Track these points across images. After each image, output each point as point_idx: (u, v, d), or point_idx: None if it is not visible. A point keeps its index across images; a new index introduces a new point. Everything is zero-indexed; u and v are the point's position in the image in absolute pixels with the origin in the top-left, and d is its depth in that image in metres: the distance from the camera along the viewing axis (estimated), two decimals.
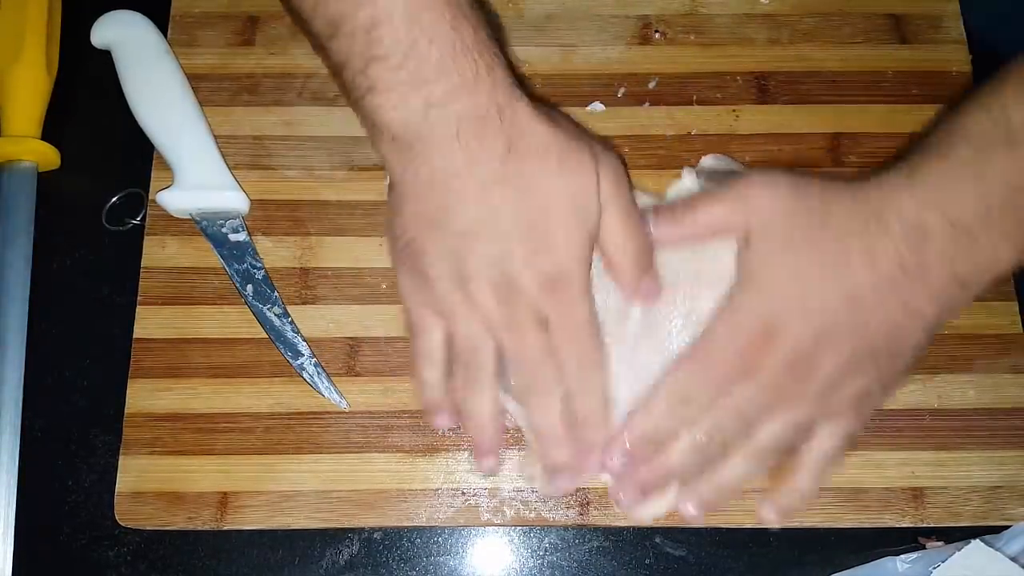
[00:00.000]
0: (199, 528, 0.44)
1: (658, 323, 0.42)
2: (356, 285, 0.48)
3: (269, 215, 0.49)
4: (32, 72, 0.50)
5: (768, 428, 0.39)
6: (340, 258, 0.49)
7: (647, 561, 0.45)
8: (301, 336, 0.47)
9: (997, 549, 0.42)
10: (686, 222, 0.41)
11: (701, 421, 0.39)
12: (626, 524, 0.45)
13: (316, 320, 0.47)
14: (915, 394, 0.46)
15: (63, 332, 0.48)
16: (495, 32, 0.39)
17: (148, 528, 0.45)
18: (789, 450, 0.41)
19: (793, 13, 0.53)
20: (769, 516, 0.42)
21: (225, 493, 0.45)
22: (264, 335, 0.47)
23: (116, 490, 0.45)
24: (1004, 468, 0.45)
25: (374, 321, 0.48)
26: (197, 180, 0.48)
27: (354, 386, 0.46)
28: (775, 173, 0.41)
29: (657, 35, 0.53)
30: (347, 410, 0.46)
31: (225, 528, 0.44)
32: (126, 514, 0.45)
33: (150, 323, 0.47)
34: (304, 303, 0.48)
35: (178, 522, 0.44)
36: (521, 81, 0.40)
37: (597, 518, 0.45)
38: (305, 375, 0.46)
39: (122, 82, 0.50)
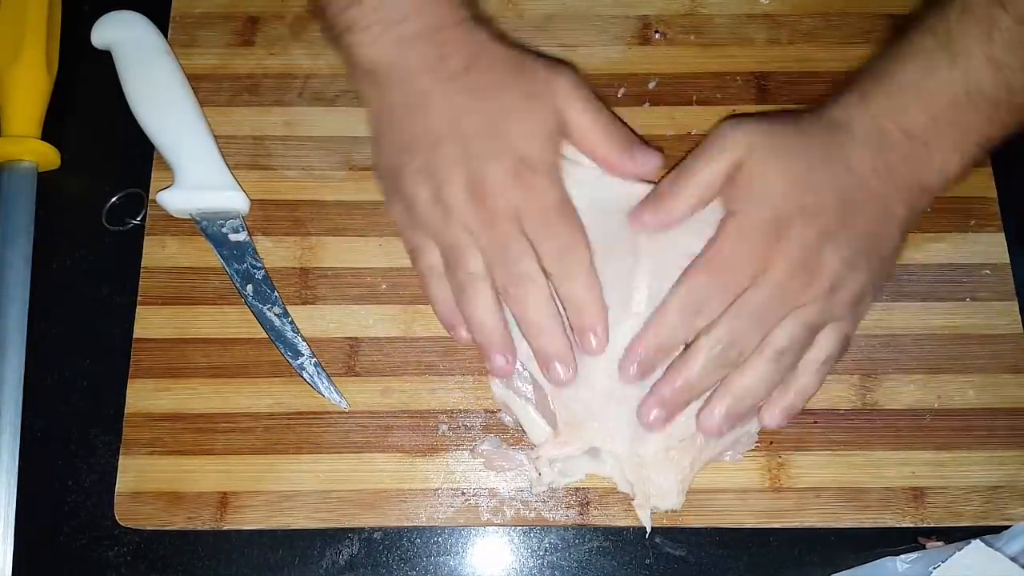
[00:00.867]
0: (199, 528, 0.44)
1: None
2: (356, 285, 0.48)
3: (269, 215, 0.49)
4: (32, 72, 0.50)
5: (782, 329, 0.41)
6: (340, 258, 0.49)
7: (647, 561, 0.45)
8: (301, 336, 0.47)
9: (997, 549, 0.42)
10: (680, 197, 0.42)
11: (716, 329, 0.40)
12: (626, 524, 0.45)
13: (316, 320, 0.47)
14: (915, 394, 0.47)
15: (63, 332, 0.48)
16: None
17: (148, 528, 0.45)
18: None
19: (793, 13, 0.53)
20: (772, 418, 0.42)
21: (225, 493, 0.45)
22: (264, 335, 0.47)
23: (116, 490, 0.45)
24: (1004, 468, 0.45)
25: (374, 321, 0.48)
26: (197, 180, 0.48)
27: (354, 386, 0.46)
28: (741, 119, 0.43)
29: (657, 35, 0.53)
30: (347, 410, 0.46)
31: (225, 528, 0.44)
32: (126, 514, 0.45)
33: (150, 323, 0.47)
34: (304, 303, 0.48)
35: (178, 522, 0.44)
36: (489, 20, 0.44)
37: (597, 518, 0.45)
38: (305, 375, 0.46)
39: (122, 82, 0.50)
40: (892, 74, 0.42)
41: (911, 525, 0.45)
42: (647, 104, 0.51)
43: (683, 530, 0.45)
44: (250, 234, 0.49)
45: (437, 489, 0.45)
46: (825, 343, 0.42)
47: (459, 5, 0.43)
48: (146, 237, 0.49)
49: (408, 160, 0.43)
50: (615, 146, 0.43)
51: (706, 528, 0.45)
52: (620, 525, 0.45)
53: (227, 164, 0.49)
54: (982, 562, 0.41)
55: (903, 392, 0.46)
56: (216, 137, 0.50)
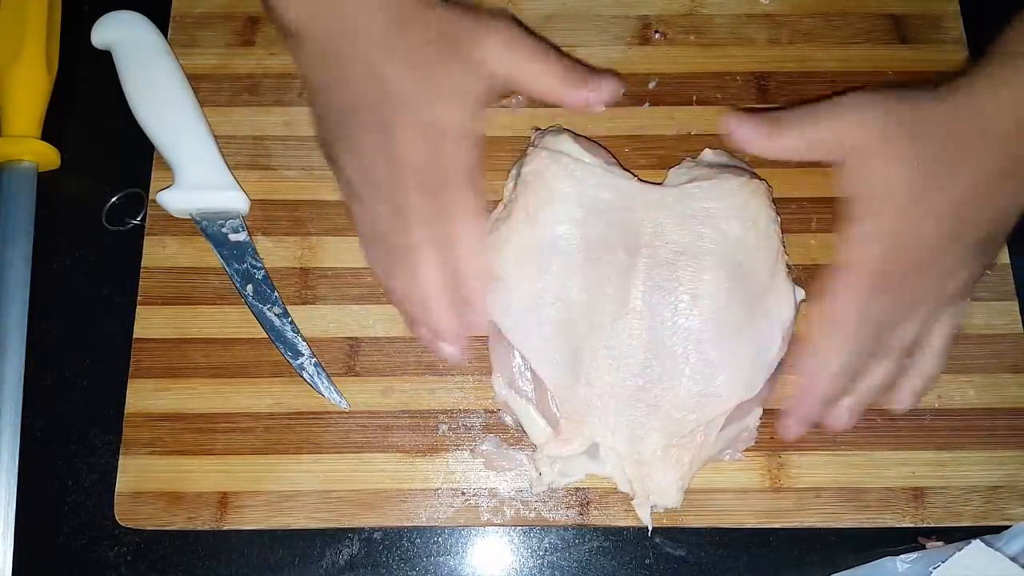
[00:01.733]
0: (199, 528, 0.44)
1: (663, 300, 0.42)
2: (356, 285, 0.48)
3: (269, 215, 0.49)
4: (32, 72, 0.50)
5: (904, 330, 0.42)
6: (340, 258, 0.49)
7: (647, 561, 0.45)
8: (301, 336, 0.47)
9: (997, 549, 0.42)
10: (787, 132, 0.42)
11: (847, 346, 0.41)
12: (626, 524, 0.45)
13: (316, 320, 0.47)
14: None
15: (63, 332, 0.48)
16: None
17: (148, 528, 0.45)
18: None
19: (793, 13, 0.53)
20: (902, 402, 0.44)
21: (225, 493, 0.45)
22: (264, 335, 0.47)
23: (116, 490, 0.45)
24: (1004, 468, 0.45)
25: (374, 321, 0.48)
26: (197, 180, 0.48)
27: (354, 386, 0.46)
28: (864, 96, 0.41)
29: (657, 35, 0.53)
30: (347, 410, 0.46)
31: (225, 528, 0.44)
32: (126, 514, 0.45)
33: (150, 323, 0.47)
34: (304, 303, 0.48)
35: (178, 522, 0.44)
36: None
37: (597, 518, 0.45)
38: (305, 375, 0.46)
39: (122, 82, 0.50)
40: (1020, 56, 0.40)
41: (911, 525, 0.45)
42: (647, 104, 0.51)
43: (683, 530, 0.45)
44: (250, 234, 0.49)
45: (437, 489, 0.45)
46: (942, 329, 0.43)
47: None
48: (146, 237, 0.49)
49: (341, 137, 0.42)
50: (571, 84, 0.42)
51: (706, 528, 0.45)
52: (620, 525, 0.45)
53: (227, 164, 0.49)
54: (982, 562, 0.41)
55: None
56: (216, 137, 0.50)
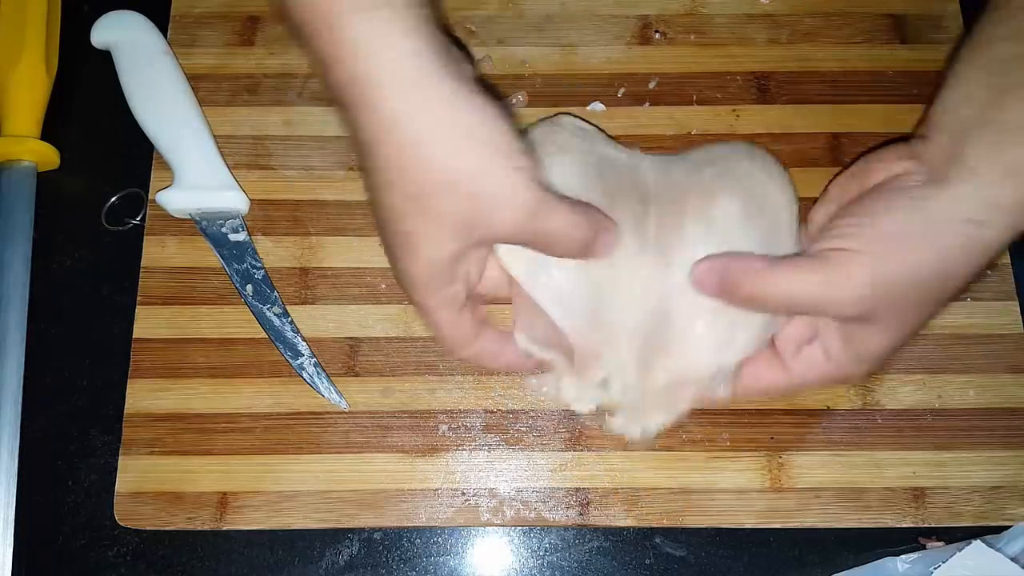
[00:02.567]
0: (199, 528, 0.44)
1: (677, 236, 0.41)
2: (356, 285, 0.48)
3: (269, 215, 0.49)
4: (32, 72, 0.50)
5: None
6: (340, 258, 0.49)
7: (647, 561, 0.45)
8: (301, 336, 0.47)
9: (998, 549, 0.42)
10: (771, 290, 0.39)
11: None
12: (626, 524, 0.45)
13: (316, 320, 0.47)
14: (915, 394, 0.46)
15: (63, 332, 0.48)
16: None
17: (148, 528, 0.45)
18: None
19: (793, 13, 0.53)
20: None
21: (225, 493, 0.45)
22: (264, 335, 0.47)
23: (116, 490, 0.45)
24: (1005, 468, 0.45)
25: (374, 321, 0.48)
26: (197, 180, 0.48)
27: (354, 386, 0.46)
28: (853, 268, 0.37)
29: (657, 35, 0.53)
30: (347, 410, 0.46)
31: (225, 528, 0.44)
32: (126, 514, 0.45)
33: (150, 323, 0.47)
34: (304, 303, 0.48)
35: (178, 522, 0.44)
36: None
37: (597, 518, 0.45)
38: (305, 375, 0.46)
39: (122, 82, 0.50)
40: (997, 144, 0.36)
41: (911, 525, 0.45)
42: (647, 104, 0.51)
43: (683, 530, 0.45)
44: (250, 234, 0.49)
45: (437, 489, 0.45)
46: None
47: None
48: (146, 237, 0.49)
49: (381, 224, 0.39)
50: (579, 245, 0.39)
51: (706, 528, 0.45)
52: (620, 525, 0.45)
53: (227, 164, 0.49)
54: (982, 562, 0.41)
55: (903, 392, 0.46)
56: (216, 137, 0.50)
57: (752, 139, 0.50)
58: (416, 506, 0.45)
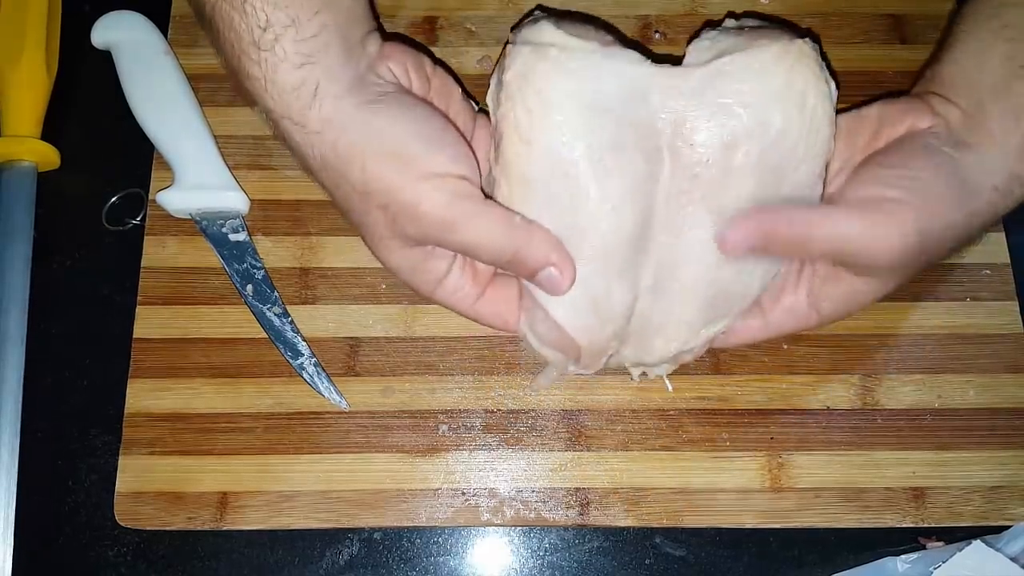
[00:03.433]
0: (199, 528, 0.44)
1: (686, 220, 0.39)
2: (356, 285, 0.48)
3: (269, 215, 0.49)
4: (32, 72, 0.50)
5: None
6: (340, 258, 0.49)
7: (647, 561, 0.45)
8: (301, 336, 0.47)
9: (998, 549, 0.42)
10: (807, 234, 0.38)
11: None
12: (626, 524, 0.45)
13: (316, 320, 0.47)
14: (915, 394, 0.46)
15: (63, 332, 0.48)
16: None
17: (148, 528, 0.45)
18: None
19: (793, 13, 0.53)
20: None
21: (225, 493, 0.45)
22: (264, 335, 0.47)
23: (116, 490, 0.45)
24: (1005, 468, 0.45)
25: (374, 321, 0.48)
26: (197, 180, 0.48)
27: (354, 386, 0.46)
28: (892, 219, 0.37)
29: (657, 35, 0.53)
30: (347, 410, 0.46)
31: (225, 528, 0.44)
32: (126, 514, 0.45)
33: (150, 323, 0.47)
34: (304, 303, 0.48)
35: (178, 522, 0.44)
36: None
37: (597, 518, 0.45)
38: (305, 375, 0.46)
39: (122, 82, 0.50)
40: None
41: (912, 525, 0.45)
42: None
43: (683, 530, 0.45)
44: (250, 234, 0.49)
45: (437, 489, 0.45)
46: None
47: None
48: (146, 237, 0.49)
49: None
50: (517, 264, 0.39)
51: (706, 528, 0.45)
52: (620, 525, 0.45)
53: (227, 164, 0.49)
54: (983, 562, 0.41)
55: (903, 392, 0.46)
56: (216, 137, 0.50)
57: None
58: (416, 506, 0.45)
